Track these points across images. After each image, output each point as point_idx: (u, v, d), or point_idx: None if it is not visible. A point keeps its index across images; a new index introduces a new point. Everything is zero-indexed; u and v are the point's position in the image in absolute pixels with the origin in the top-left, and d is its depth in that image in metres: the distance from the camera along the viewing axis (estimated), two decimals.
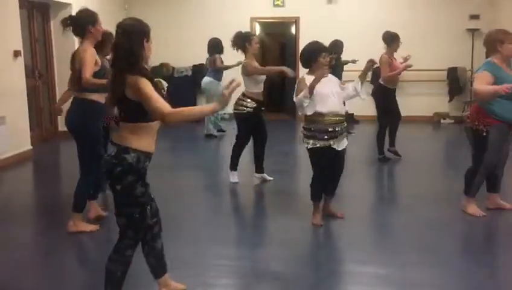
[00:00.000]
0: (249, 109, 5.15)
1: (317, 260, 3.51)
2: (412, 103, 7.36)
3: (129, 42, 2.48)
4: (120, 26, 2.53)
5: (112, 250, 2.65)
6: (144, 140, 2.56)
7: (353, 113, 9.08)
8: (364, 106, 7.23)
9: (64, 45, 8.27)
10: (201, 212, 4.67)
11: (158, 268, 2.88)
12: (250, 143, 5.49)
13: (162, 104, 2.42)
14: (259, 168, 5.50)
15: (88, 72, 3.69)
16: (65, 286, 3.23)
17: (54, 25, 8.30)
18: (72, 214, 3.97)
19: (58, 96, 8.42)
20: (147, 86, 2.45)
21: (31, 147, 7.00)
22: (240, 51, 5.27)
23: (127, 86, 2.46)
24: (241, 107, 5.17)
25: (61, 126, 8.50)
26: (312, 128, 3.99)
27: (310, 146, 4.01)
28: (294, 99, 4.05)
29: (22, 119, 6.87)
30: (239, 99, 5.22)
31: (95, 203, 4.30)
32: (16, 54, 6.69)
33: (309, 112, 3.97)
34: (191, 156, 7.25)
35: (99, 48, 4.00)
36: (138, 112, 2.50)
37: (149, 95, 2.43)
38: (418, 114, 9.57)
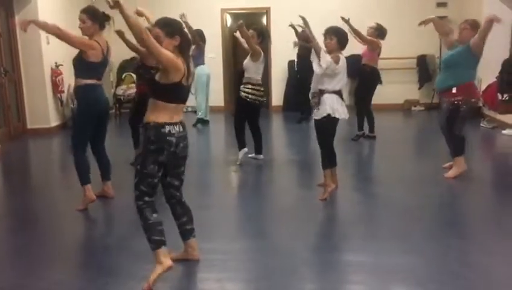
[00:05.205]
0: None
1: (291, 249, 3.52)
2: (383, 90, 7.46)
3: None
4: None
5: None
6: None
7: None
8: None
9: (30, 41, 8.05)
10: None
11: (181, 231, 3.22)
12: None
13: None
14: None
15: None
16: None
17: (19, 21, 8.06)
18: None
19: (25, 94, 8.21)
20: None
21: None
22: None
23: None
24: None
25: (30, 123, 8.31)
26: None
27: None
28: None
29: None
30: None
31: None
32: None
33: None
34: None
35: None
36: None
37: None
38: (389, 102, 9.70)
